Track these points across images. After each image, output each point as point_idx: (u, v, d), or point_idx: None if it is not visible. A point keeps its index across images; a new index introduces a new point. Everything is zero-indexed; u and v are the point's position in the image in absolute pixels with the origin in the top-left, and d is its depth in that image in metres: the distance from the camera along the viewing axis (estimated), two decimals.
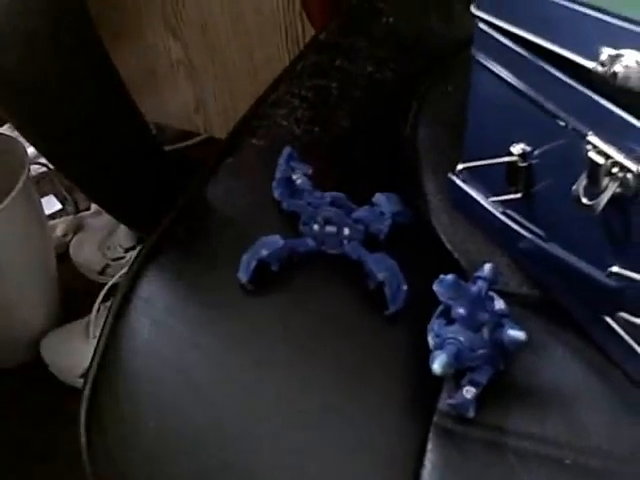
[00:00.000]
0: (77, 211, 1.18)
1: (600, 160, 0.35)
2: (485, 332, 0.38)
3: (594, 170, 0.35)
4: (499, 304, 0.40)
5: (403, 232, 0.47)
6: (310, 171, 0.48)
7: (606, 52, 0.33)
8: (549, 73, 0.38)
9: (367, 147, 0.55)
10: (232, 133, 0.55)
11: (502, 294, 0.41)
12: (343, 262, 0.45)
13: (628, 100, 0.34)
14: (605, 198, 0.35)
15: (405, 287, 0.42)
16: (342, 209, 0.45)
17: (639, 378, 0.39)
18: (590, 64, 0.34)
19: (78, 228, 1.15)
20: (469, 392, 0.38)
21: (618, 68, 0.33)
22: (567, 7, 0.36)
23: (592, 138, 0.35)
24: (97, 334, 0.44)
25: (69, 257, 1.11)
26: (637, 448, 0.37)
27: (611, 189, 0.35)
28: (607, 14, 0.33)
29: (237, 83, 1.06)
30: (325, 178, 0.48)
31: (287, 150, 0.49)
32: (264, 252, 0.43)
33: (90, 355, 0.43)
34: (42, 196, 1.13)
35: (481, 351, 0.38)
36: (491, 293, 0.40)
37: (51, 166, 1.12)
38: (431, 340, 0.39)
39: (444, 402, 0.39)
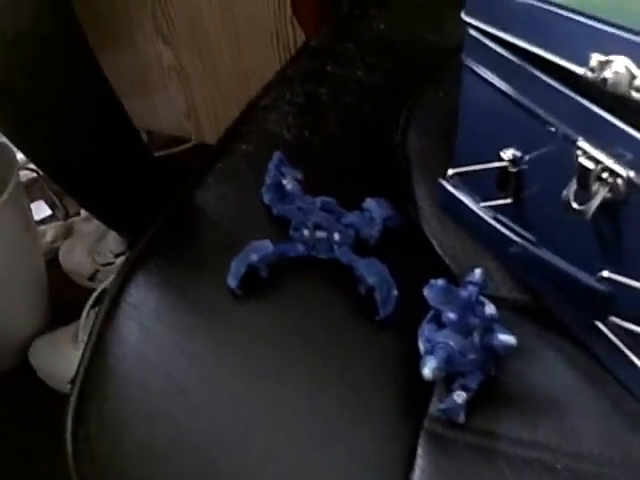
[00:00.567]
0: (67, 217, 1.17)
1: (590, 165, 0.35)
2: (475, 337, 0.38)
3: (584, 175, 0.35)
4: (490, 309, 0.40)
5: (393, 237, 0.47)
6: (300, 176, 0.48)
7: (595, 58, 0.34)
8: (539, 79, 0.38)
9: (357, 152, 0.55)
10: (222, 138, 0.54)
11: (493, 299, 0.41)
12: (333, 267, 0.45)
13: (618, 106, 0.34)
14: (595, 203, 0.35)
15: (395, 292, 0.42)
16: (332, 214, 0.45)
17: (630, 382, 0.39)
18: (580, 70, 0.35)
19: (68, 234, 1.15)
20: (460, 397, 0.38)
21: (608, 74, 0.33)
22: (557, 13, 0.36)
23: (582, 144, 0.35)
24: None
25: (58, 263, 1.10)
26: (628, 453, 0.37)
27: (601, 194, 0.35)
28: (597, 20, 0.34)
29: (228, 88, 1.06)
30: (315, 183, 0.48)
31: (277, 155, 0.48)
32: (254, 257, 0.43)
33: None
34: (31, 201, 1.13)
35: (472, 356, 0.38)
36: (481, 298, 0.40)
37: (40, 172, 1.12)
38: (421, 345, 0.39)
39: (434, 407, 0.39)
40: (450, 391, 0.38)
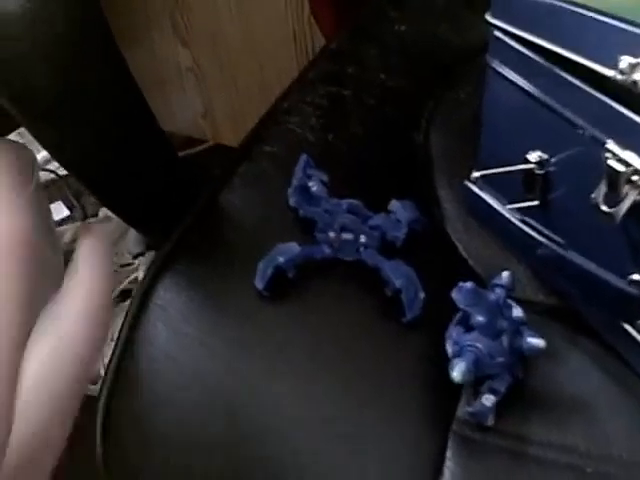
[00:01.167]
0: (85, 217, 1.18)
1: (620, 168, 0.35)
2: (504, 340, 0.38)
3: (613, 178, 0.35)
4: (517, 312, 0.40)
5: (419, 239, 0.47)
6: (326, 178, 0.48)
7: (626, 60, 0.33)
8: (566, 80, 0.38)
9: (381, 154, 0.55)
10: (245, 141, 0.55)
11: (519, 301, 0.41)
12: (359, 269, 0.45)
13: None
14: (625, 206, 0.35)
15: (422, 294, 0.42)
16: (358, 216, 0.45)
17: None
18: (609, 72, 0.34)
19: None
20: (488, 400, 0.38)
21: (638, 77, 0.33)
22: (585, 15, 0.36)
23: (611, 146, 0.35)
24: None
25: None
26: None
27: (631, 197, 0.34)
28: (626, 22, 0.33)
29: (245, 90, 1.06)
30: (340, 185, 0.48)
31: (304, 157, 0.49)
32: (280, 259, 0.43)
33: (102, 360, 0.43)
34: (50, 202, 1.14)
35: (500, 359, 0.38)
36: (509, 300, 0.40)
37: (59, 173, 1.12)
38: (449, 348, 0.39)
39: (463, 410, 0.39)
40: (478, 394, 0.38)
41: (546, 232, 0.43)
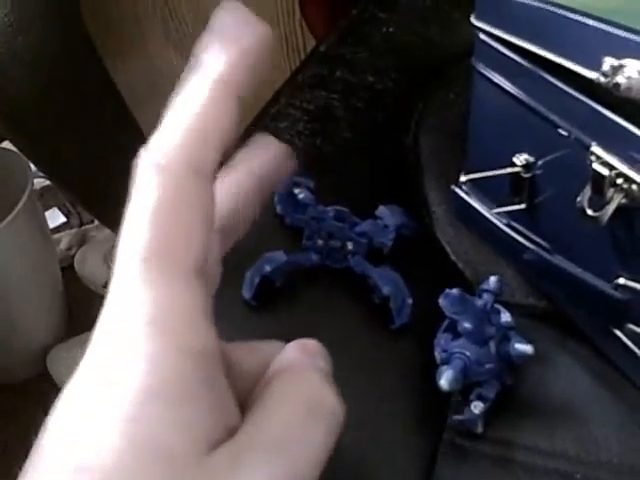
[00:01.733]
0: (81, 224, 1.18)
1: (604, 171, 0.34)
2: (492, 346, 0.38)
3: (598, 181, 0.35)
4: (505, 317, 0.40)
5: (407, 244, 0.46)
6: (313, 185, 0.47)
7: (608, 62, 0.33)
8: (551, 83, 0.37)
9: (370, 158, 0.54)
10: (233, 147, 0.54)
11: (508, 305, 0.41)
12: (347, 276, 0.45)
13: (631, 110, 0.33)
14: (610, 210, 0.34)
15: (410, 301, 0.42)
16: (345, 223, 0.45)
17: None
18: (592, 75, 0.34)
19: (82, 241, 1.16)
20: (477, 407, 0.37)
21: (621, 79, 0.32)
22: (569, 17, 0.35)
23: (596, 149, 0.35)
24: None
25: (74, 270, 1.11)
26: None
27: (616, 200, 0.34)
28: (609, 24, 0.33)
29: None
30: (328, 191, 0.48)
31: None
32: (267, 268, 0.43)
33: None
34: (46, 209, 1.14)
35: (488, 365, 0.37)
36: (497, 306, 0.40)
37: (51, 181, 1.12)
38: (438, 355, 0.39)
39: (452, 418, 0.39)
40: (467, 401, 0.38)
41: (532, 236, 0.43)
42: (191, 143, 0.19)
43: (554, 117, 0.38)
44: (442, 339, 0.39)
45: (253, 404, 0.19)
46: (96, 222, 1.16)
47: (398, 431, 0.39)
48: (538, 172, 0.41)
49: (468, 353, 0.37)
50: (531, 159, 0.41)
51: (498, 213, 0.45)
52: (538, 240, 0.43)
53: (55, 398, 0.17)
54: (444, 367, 0.37)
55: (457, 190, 0.48)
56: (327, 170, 0.52)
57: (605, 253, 0.37)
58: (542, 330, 0.43)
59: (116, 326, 0.17)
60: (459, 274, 0.47)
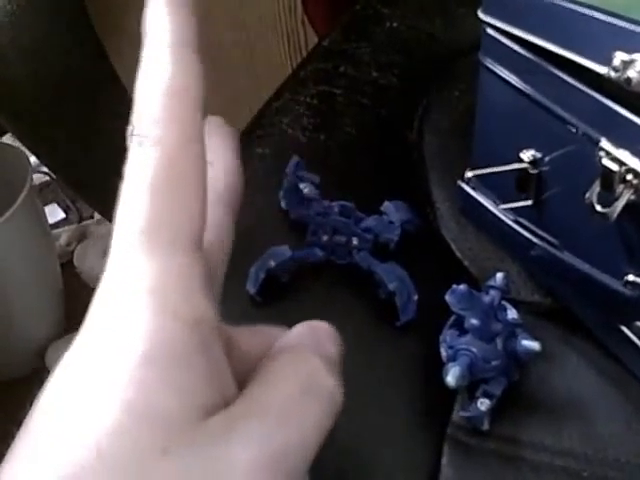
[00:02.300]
0: (80, 220, 1.18)
1: (613, 167, 0.34)
2: (499, 343, 0.37)
3: (607, 177, 0.34)
4: (512, 313, 0.39)
5: (412, 240, 0.46)
6: (317, 180, 0.47)
7: (619, 57, 0.33)
8: (559, 78, 0.37)
9: (374, 154, 0.54)
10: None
11: (514, 302, 0.40)
12: (352, 272, 0.44)
13: None
14: (620, 206, 0.34)
15: (416, 297, 0.42)
16: (351, 218, 0.45)
17: None
18: (602, 69, 0.34)
19: (82, 237, 1.15)
20: (483, 404, 0.37)
21: (632, 73, 0.32)
22: (578, 11, 0.35)
23: (605, 144, 0.35)
24: None
25: (73, 266, 1.11)
26: None
27: (625, 196, 0.34)
28: (620, 18, 0.33)
29: (239, 90, 1.06)
30: (333, 186, 0.48)
31: (294, 160, 0.48)
32: (272, 263, 0.43)
33: None
34: (45, 205, 1.13)
35: (495, 362, 0.37)
36: (503, 302, 0.39)
37: (54, 175, 1.12)
38: (444, 351, 0.39)
39: (458, 414, 0.39)
40: (473, 398, 0.38)
41: (540, 233, 0.43)
42: (172, 107, 0.19)
43: (562, 112, 0.38)
44: (448, 335, 0.39)
45: (252, 379, 0.19)
46: (96, 218, 1.15)
47: (403, 428, 0.39)
48: (545, 168, 0.41)
49: (474, 350, 0.37)
50: (538, 155, 0.41)
51: (504, 209, 0.45)
52: (546, 236, 0.42)
53: None
54: (451, 364, 0.36)
55: (463, 186, 0.47)
56: (332, 165, 0.52)
57: (614, 250, 0.37)
58: (548, 327, 0.42)
59: (114, 295, 0.18)
60: (464, 270, 0.46)
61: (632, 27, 0.32)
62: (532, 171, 0.41)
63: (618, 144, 0.34)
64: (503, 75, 0.41)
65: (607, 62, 0.33)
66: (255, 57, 1.00)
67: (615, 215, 0.34)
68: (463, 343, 0.37)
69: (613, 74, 0.33)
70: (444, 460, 0.37)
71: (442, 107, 0.59)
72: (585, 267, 0.39)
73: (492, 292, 0.39)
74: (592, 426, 0.38)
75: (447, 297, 0.38)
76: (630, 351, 0.39)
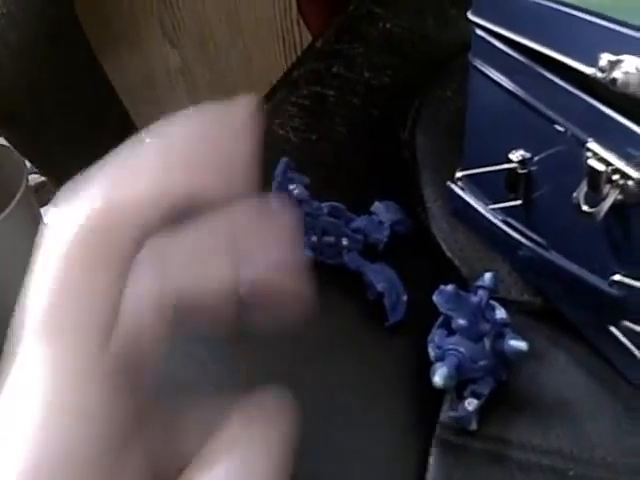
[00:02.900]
0: None
1: (600, 167, 0.34)
2: (486, 343, 0.37)
3: (594, 177, 0.34)
4: (500, 313, 0.39)
5: (402, 241, 0.46)
6: (307, 181, 0.47)
7: (605, 58, 0.33)
8: (547, 79, 0.37)
9: (365, 154, 0.54)
10: None
11: (503, 302, 0.40)
12: (342, 273, 0.44)
13: (628, 106, 0.33)
14: (606, 206, 0.34)
15: (405, 298, 0.42)
16: (340, 219, 0.45)
17: None
18: (589, 70, 0.34)
19: None
20: (471, 404, 0.37)
21: (618, 74, 0.32)
22: (565, 12, 0.35)
23: (592, 145, 0.35)
24: None
25: None
26: None
27: (612, 196, 0.34)
28: (606, 19, 0.33)
29: (235, 90, 1.06)
30: (323, 187, 0.48)
31: (283, 161, 0.48)
32: None
33: None
34: (41, 206, 1.13)
35: (482, 362, 0.37)
36: (492, 302, 0.39)
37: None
38: (432, 351, 0.39)
39: (446, 414, 0.39)
40: (461, 398, 0.38)
41: (528, 233, 0.43)
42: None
43: (550, 113, 0.38)
44: (436, 336, 0.39)
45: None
46: None
47: (391, 428, 0.39)
48: (534, 168, 0.41)
49: (462, 350, 0.37)
50: (527, 155, 0.41)
51: (494, 209, 0.45)
52: (534, 236, 0.42)
53: None
54: (438, 364, 0.36)
55: (453, 186, 0.48)
56: (322, 165, 0.52)
57: (601, 250, 0.37)
58: (537, 327, 0.43)
59: (16, 386, 0.17)
60: (454, 270, 0.47)
61: (618, 28, 0.32)
62: (521, 171, 0.41)
63: (605, 145, 0.34)
64: (492, 76, 0.42)
65: (594, 63, 0.33)
66: (250, 57, 1.00)
67: (602, 215, 0.34)
68: (451, 343, 0.37)
69: (599, 75, 0.33)
70: (432, 460, 0.37)
71: (434, 108, 0.59)
72: (573, 267, 0.39)
73: (480, 292, 0.39)
74: (580, 426, 0.38)
75: (434, 297, 0.38)
76: (618, 350, 0.39)
